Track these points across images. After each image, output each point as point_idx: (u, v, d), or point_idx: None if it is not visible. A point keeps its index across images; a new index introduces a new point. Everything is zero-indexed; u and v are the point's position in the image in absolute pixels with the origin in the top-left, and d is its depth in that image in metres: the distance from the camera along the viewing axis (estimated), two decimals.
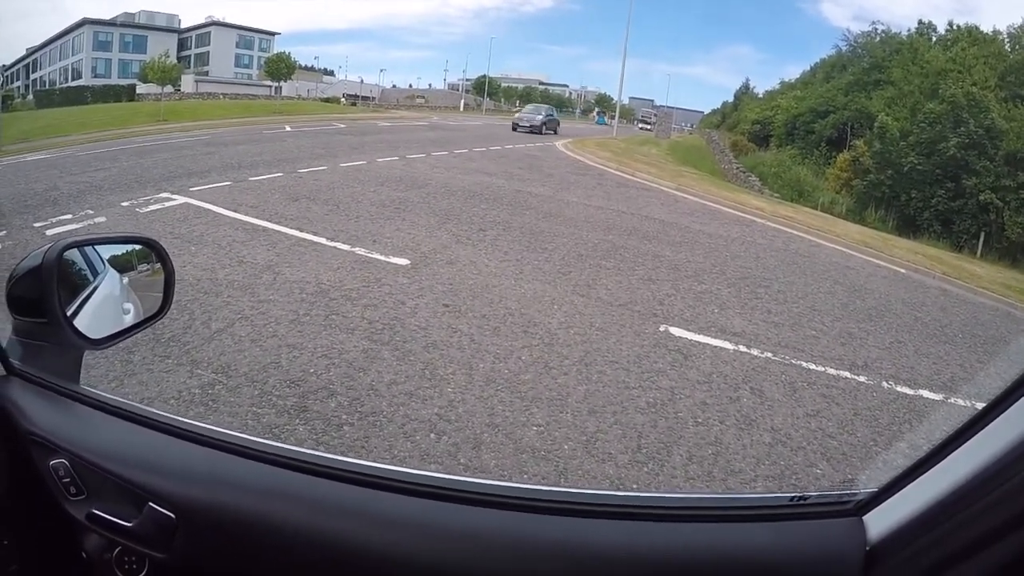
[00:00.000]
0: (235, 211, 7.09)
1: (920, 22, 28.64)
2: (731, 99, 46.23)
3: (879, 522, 0.68)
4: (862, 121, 25.53)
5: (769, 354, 4.48)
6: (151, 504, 0.80)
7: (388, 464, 0.89)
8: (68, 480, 0.85)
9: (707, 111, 53.40)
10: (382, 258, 5.78)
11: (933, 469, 0.64)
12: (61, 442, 0.86)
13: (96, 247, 1.17)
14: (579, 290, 5.39)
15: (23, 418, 0.88)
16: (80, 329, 0.99)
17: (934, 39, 27.30)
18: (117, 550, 0.86)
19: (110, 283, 1.12)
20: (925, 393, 4.31)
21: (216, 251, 5.52)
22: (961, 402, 4.24)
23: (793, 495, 0.78)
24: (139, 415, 0.92)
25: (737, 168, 25.03)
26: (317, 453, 0.87)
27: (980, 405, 0.59)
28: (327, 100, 41.42)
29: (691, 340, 4.53)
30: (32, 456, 0.87)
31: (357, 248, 6.00)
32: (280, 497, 0.79)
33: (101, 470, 0.84)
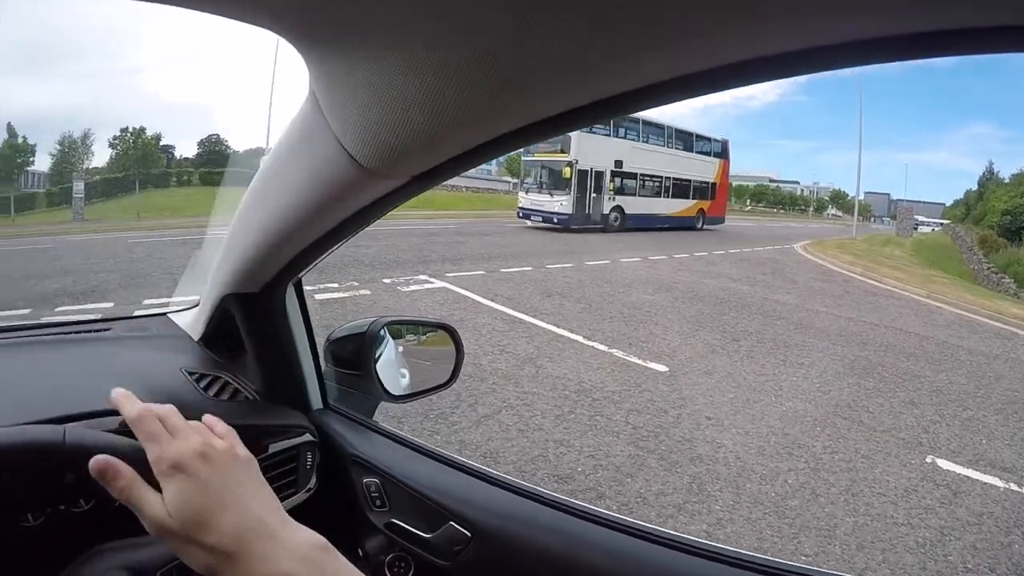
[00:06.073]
0: (492, 300, 7.66)
1: None
2: (974, 186, 39.56)
3: None
4: None
5: None
6: (452, 523, 0.95)
7: (664, 528, 0.90)
8: (377, 495, 1.04)
9: (949, 202, 46.44)
10: (639, 362, 5.74)
11: None
12: (377, 465, 1.05)
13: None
14: (840, 411, 5.05)
15: (345, 443, 1.09)
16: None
17: None
18: (391, 555, 1.02)
19: (390, 350, 1.32)
20: None
21: (477, 337, 5.91)
22: None
23: None
24: (437, 454, 1.07)
25: (988, 268, 20.58)
26: (598, 509, 0.93)
27: None
28: None
29: (959, 474, 4.13)
30: (351, 473, 1.07)
31: (614, 349, 6.04)
32: (560, 536, 0.88)
33: (411, 491, 1.00)
